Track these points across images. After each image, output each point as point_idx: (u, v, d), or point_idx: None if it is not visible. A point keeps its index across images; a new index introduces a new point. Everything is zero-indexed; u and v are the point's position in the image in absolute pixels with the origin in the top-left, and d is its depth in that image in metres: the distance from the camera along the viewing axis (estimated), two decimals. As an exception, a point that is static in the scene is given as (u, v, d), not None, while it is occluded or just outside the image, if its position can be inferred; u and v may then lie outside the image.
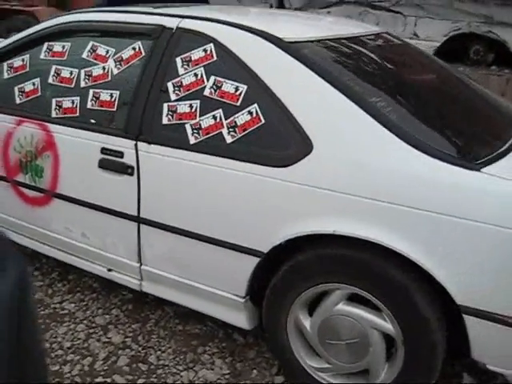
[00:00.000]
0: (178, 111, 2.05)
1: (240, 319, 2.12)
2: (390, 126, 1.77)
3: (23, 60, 2.49)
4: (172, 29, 2.16)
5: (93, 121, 2.25)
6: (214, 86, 2.00)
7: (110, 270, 2.39)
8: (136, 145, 2.11)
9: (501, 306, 1.66)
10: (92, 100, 2.24)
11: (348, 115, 1.83)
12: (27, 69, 2.48)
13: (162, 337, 2.38)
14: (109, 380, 2.13)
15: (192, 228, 2.06)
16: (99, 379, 2.13)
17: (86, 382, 2.11)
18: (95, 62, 2.28)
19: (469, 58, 6.39)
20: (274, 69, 1.97)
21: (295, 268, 1.93)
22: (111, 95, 2.20)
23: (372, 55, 2.26)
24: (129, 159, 2.13)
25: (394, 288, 1.77)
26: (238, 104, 1.95)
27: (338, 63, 2.10)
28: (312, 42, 2.11)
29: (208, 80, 2.02)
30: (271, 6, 7.13)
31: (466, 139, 1.97)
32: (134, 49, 2.21)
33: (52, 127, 2.33)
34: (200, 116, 2.00)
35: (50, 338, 2.33)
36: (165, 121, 2.07)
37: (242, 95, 1.95)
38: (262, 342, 2.31)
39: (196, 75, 2.05)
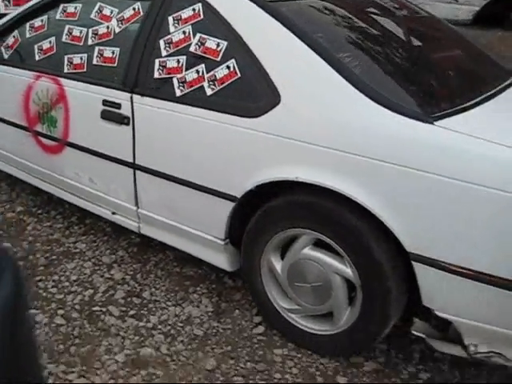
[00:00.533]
0: (168, 66, 2.22)
1: (221, 261, 2.30)
2: (352, 80, 1.86)
3: (42, 20, 2.74)
4: None
5: (97, 75, 2.46)
6: (199, 43, 2.15)
7: (114, 213, 2.63)
8: (131, 97, 2.31)
9: (447, 254, 1.72)
10: (97, 56, 2.45)
11: (313, 69, 1.93)
12: (45, 28, 2.73)
13: (158, 276, 2.60)
14: (104, 309, 2.37)
15: (178, 174, 2.24)
16: (96, 308, 2.38)
17: (84, 310, 2.37)
18: (101, 21, 2.49)
19: (510, 23, 6.15)
20: (251, 25, 2.09)
21: (267, 213, 2.08)
22: (113, 52, 2.41)
23: (351, 14, 2.31)
24: (125, 110, 2.33)
25: (351, 234, 1.87)
26: (219, 59, 2.09)
27: (314, 20, 2.18)
28: (293, 0, 2.21)
29: (194, 37, 2.17)
30: None
31: (430, 94, 2.01)
32: (133, 9, 2.40)
33: (64, 81, 2.57)
34: (185, 70, 2.17)
35: (59, 272, 2.61)
36: (156, 75, 2.25)
37: (223, 51, 2.09)
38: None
39: (184, 33, 2.20)
